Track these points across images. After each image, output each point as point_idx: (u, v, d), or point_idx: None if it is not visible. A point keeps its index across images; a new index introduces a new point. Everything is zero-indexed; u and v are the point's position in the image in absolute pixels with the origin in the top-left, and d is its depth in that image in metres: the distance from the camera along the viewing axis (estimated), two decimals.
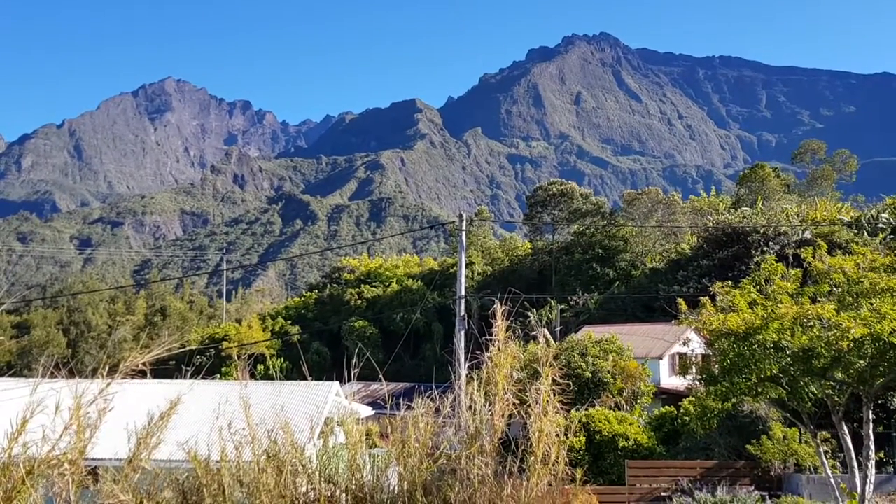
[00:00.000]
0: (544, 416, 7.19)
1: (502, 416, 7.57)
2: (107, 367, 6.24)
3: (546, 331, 49.20)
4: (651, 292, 56.95)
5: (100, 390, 5.94)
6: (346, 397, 25.12)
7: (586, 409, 30.76)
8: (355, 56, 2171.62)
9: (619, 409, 32.75)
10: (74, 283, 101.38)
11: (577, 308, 63.22)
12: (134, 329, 75.50)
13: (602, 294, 64.84)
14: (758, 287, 18.84)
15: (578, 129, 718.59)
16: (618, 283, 67.59)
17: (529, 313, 52.98)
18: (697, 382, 23.81)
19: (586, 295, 64.14)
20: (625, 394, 35.45)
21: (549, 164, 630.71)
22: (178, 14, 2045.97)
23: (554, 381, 7.45)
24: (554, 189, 79.44)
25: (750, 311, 17.49)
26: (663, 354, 42.34)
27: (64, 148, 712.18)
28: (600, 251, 71.93)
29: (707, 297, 19.49)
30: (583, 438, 27.98)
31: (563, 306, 61.27)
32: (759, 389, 17.76)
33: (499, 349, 7.64)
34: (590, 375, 34.57)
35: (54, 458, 5.45)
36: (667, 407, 32.97)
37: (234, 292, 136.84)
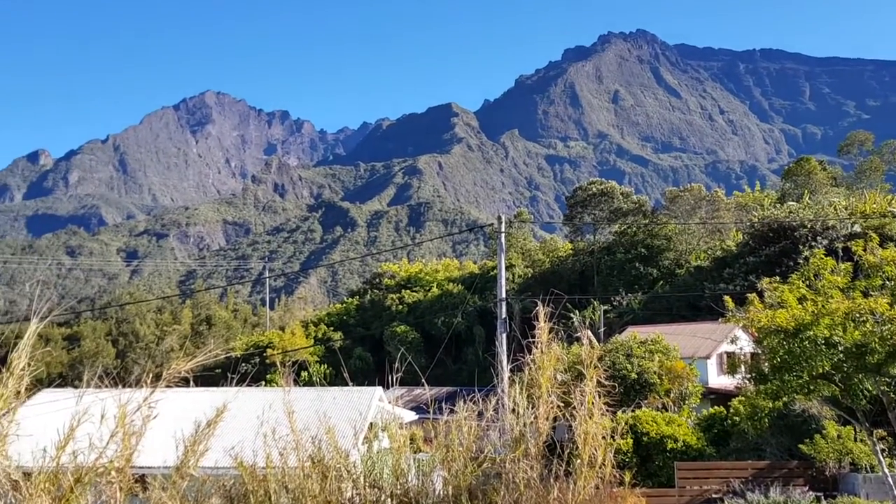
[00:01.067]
0: (589, 418, 7.06)
1: (546, 418, 7.45)
2: (150, 376, 6.30)
3: (589, 332, 48.80)
4: (696, 291, 56.04)
5: (143, 399, 5.98)
6: (390, 402, 25.18)
7: (633, 411, 30.33)
8: (391, 63, 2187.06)
9: (667, 411, 32.24)
10: (122, 294, 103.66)
11: (620, 309, 62.50)
12: (180, 338, 76.80)
13: (646, 294, 64.02)
14: (807, 282, 18.36)
15: (617, 128, 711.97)
16: (662, 282, 66.67)
17: (572, 315, 52.52)
18: (747, 381, 23.30)
19: (630, 295, 63.39)
20: (672, 395, 34.91)
21: (587, 164, 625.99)
22: (216, 28, 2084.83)
23: (598, 382, 7.30)
24: (594, 189, 78.72)
25: (799, 306, 17.05)
26: (711, 354, 41.59)
27: (109, 163, 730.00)
28: (643, 250, 71.05)
29: (754, 294, 19.05)
30: (630, 440, 27.57)
31: (606, 307, 60.62)
32: (811, 387, 17.30)
33: (541, 351, 7.53)
34: (635, 376, 34.12)
35: (101, 466, 5.50)
36: (716, 407, 32.33)
37: (276, 300, 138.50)
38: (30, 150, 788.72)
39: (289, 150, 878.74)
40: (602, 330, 53.00)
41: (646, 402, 33.40)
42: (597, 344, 38.79)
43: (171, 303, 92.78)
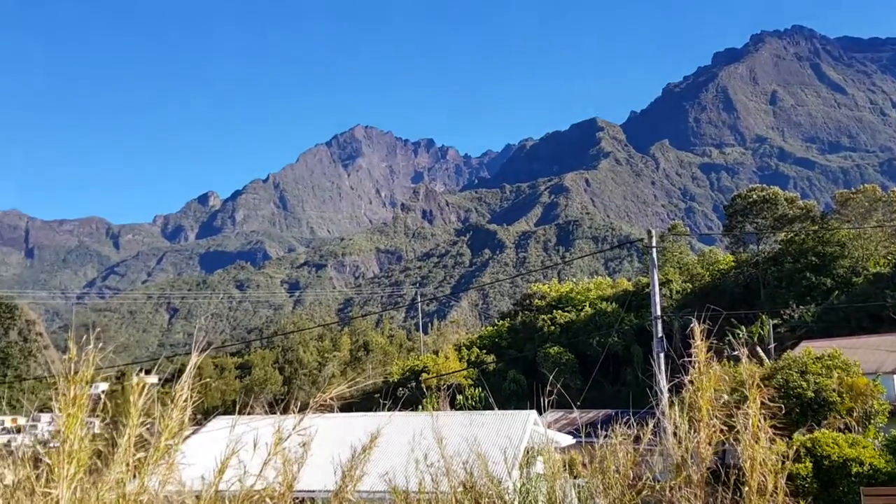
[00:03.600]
0: (755, 442, 6.47)
1: (709, 443, 6.91)
2: (299, 404, 6.47)
3: (759, 349, 45.88)
4: (877, 300, 51.61)
5: (293, 426, 6.14)
6: (545, 425, 24.76)
7: (810, 432, 28.05)
8: (531, 83, 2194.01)
9: (850, 431, 29.55)
10: (286, 324, 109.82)
11: (791, 322, 58.57)
12: (341, 364, 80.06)
13: (819, 305, 59.62)
14: None
15: (777, 130, 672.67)
16: (837, 292, 61.91)
17: (738, 331, 49.67)
18: None
19: (801, 307, 59.31)
20: (855, 414, 32.03)
21: (747, 171, 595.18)
22: (361, 64, 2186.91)
23: (763, 403, 6.69)
24: (754, 196, 74.56)
25: None
26: None
27: (270, 200, 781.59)
28: (813, 259, 66.37)
29: None
30: (809, 465, 25.45)
31: (775, 321, 56.95)
32: None
33: (699, 371, 7.02)
34: (812, 395, 31.64)
35: (256, 492, 5.67)
36: None
37: (430, 324, 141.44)
38: (200, 192, 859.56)
39: (435, 176, 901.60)
40: (772, 346, 49.78)
41: (825, 422, 30.81)
42: (767, 361, 36.36)
43: (331, 330, 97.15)
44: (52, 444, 5.22)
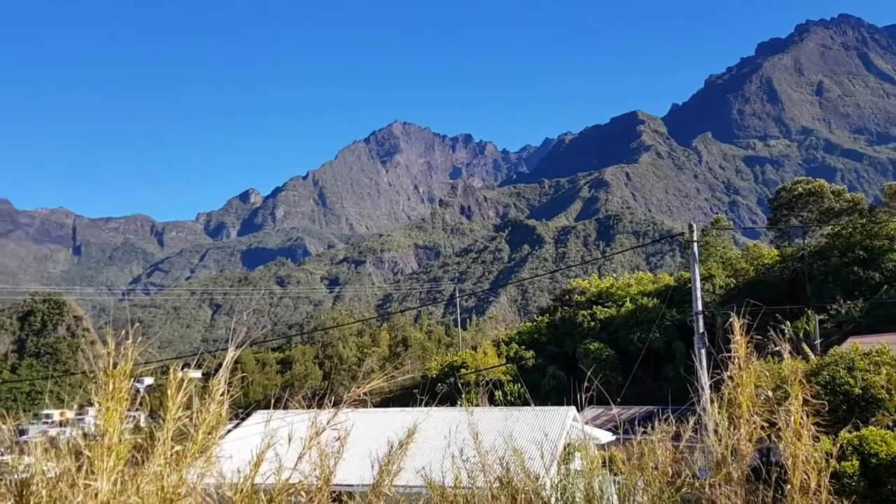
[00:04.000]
0: (798, 439, 6.31)
1: (749, 440, 6.77)
2: (332, 399, 6.52)
3: (804, 345, 44.90)
4: None
5: (327, 421, 6.17)
6: (585, 422, 24.59)
7: (857, 430, 27.37)
8: (570, 76, 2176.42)
9: None
10: (325, 319, 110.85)
11: (838, 318, 57.20)
12: (380, 360, 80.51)
13: (867, 300, 58.13)
14: None
15: (824, 122, 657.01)
16: (886, 286, 60.34)
17: (783, 326, 48.67)
18: None
19: (849, 302, 57.89)
20: None
21: (792, 163, 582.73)
22: (400, 61, 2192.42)
23: (806, 400, 6.52)
24: (800, 189, 72.93)
25: None
26: None
27: (310, 197, 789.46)
28: (861, 252, 64.72)
29: None
30: (856, 463, 24.83)
31: (821, 316, 55.68)
32: None
33: (739, 367, 6.87)
34: (859, 392, 30.86)
35: (292, 486, 5.71)
36: None
37: (468, 320, 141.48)
38: (241, 190, 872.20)
39: (473, 172, 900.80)
40: (818, 341, 48.68)
41: (873, 420, 30.02)
42: (813, 357, 35.55)
43: (370, 326, 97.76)
44: (94, 438, 5.33)
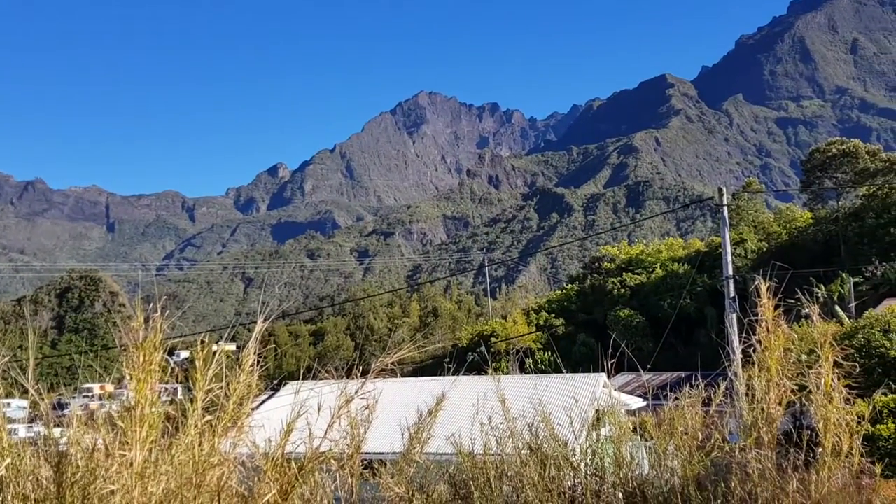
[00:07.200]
0: (829, 402, 6.23)
1: (779, 403, 6.71)
2: (361, 369, 6.58)
3: (839, 308, 44.24)
4: None
5: (355, 390, 6.24)
6: (616, 388, 24.57)
7: (893, 392, 27.00)
8: (597, 40, 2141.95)
9: None
10: (356, 291, 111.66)
11: (874, 280, 56.22)
12: (410, 330, 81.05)
13: None
14: None
15: (859, 80, 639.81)
16: None
17: (816, 290, 47.95)
18: None
19: (885, 264, 56.82)
20: None
21: (826, 124, 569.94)
22: (425, 30, 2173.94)
23: (837, 363, 6.43)
24: (834, 149, 71.35)
25: None
26: None
27: (338, 170, 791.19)
28: None
29: None
30: (892, 426, 24.54)
31: (856, 279, 54.75)
32: None
33: (767, 330, 6.79)
34: (895, 354, 30.38)
35: (322, 454, 5.80)
36: None
37: (498, 289, 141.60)
38: (270, 164, 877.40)
39: (500, 141, 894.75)
40: (853, 304, 47.91)
41: None
42: (847, 320, 35.00)
43: (400, 297, 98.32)
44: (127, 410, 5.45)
